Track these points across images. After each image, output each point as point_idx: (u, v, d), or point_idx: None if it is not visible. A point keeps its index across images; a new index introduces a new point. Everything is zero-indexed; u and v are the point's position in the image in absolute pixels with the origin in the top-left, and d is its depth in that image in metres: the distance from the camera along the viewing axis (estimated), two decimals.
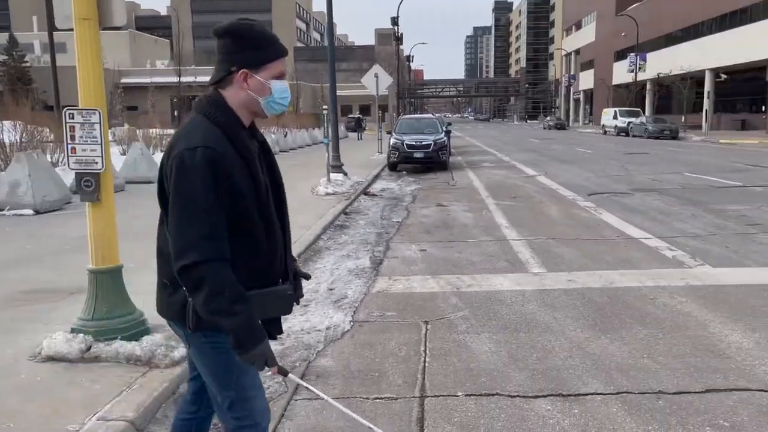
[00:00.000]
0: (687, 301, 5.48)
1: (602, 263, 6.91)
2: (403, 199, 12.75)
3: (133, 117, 33.16)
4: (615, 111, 47.52)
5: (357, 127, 44.02)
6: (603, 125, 48.82)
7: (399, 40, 51.65)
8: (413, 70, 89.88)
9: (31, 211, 10.07)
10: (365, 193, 13.55)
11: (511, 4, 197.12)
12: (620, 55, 63.03)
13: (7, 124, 13.99)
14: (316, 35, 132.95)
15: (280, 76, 2.10)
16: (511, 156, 25.00)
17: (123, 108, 43.63)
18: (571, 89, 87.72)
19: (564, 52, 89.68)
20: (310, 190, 12.93)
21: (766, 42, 38.42)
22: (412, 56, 77.24)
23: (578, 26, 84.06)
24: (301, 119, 39.69)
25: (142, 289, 5.32)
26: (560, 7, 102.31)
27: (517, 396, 3.71)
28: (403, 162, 18.85)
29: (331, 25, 15.75)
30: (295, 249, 6.37)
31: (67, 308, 4.96)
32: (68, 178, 10.79)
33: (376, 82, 23.29)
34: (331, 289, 6.06)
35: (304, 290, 2.46)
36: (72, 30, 3.95)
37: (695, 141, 35.07)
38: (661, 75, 51.35)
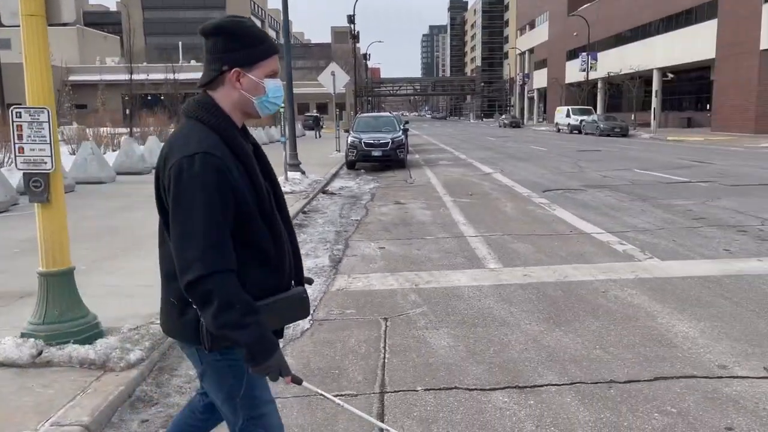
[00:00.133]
0: (637, 293, 5.67)
1: (556, 258, 7.08)
2: (361, 198, 12.78)
3: (82, 115, 32.32)
4: (568, 109, 48.50)
5: (315, 125, 43.80)
6: (556, 123, 49.82)
7: (356, 38, 51.55)
8: (370, 68, 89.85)
9: None
10: (323, 191, 13.52)
11: (466, 3, 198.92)
12: (572, 55, 64.47)
13: None
14: (271, 33, 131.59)
15: (273, 75, 2.01)
16: (467, 154, 25.31)
17: (72, 106, 42.44)
18: (526, 88, 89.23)
19: (518, 51, 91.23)
20: None
21: (711, 42, 39.89)
22: (369, 54, 77.28)
23: (532, 26, 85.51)
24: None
25: (95, 291, 5.22)
26: (514, 6, 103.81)
27: (475, 389, 3.78)
28: (362, 160, 18.87)
29: (287, 22, 15.66)
30: None
31: (17, 312, 4.83)
32: (14, 179, 10.42)
33: (333, 80, 23.27)
34: None
35: None
36: (18, 26, 3.84)
37: (644, 138, 36.21)
38: (612, 74, 52.75)
